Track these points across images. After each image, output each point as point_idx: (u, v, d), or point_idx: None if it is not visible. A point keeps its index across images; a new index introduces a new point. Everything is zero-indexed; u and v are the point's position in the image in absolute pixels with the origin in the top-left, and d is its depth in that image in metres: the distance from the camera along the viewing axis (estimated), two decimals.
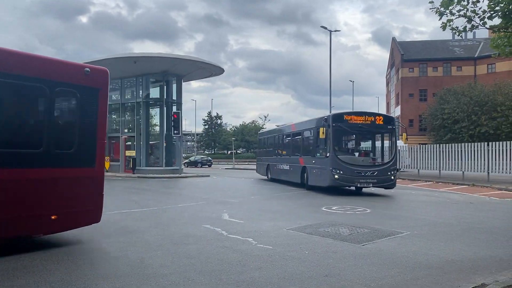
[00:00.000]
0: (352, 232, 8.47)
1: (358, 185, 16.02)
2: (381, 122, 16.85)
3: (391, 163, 16.53)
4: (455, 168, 24.39)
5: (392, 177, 16.24)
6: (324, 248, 7.14)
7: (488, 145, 22.11)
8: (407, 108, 57.28)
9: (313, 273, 5.71)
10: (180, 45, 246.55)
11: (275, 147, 24.24)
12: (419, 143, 36.08)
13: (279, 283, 5.27)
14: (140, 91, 28.88)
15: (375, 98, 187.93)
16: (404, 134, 17.98)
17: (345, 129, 16.56)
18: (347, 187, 17.00)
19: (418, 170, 27.17)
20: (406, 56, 57.50)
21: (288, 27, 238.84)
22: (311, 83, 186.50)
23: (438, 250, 7.09)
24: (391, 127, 16.98)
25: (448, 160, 24.76)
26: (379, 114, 17.45)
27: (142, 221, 9.75)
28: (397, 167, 16.99)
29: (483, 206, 13.35)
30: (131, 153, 28.30)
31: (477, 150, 22.73)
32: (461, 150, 23.90)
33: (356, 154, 17.69)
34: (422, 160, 26.89)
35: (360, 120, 16.50)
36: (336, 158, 15.95)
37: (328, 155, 16.14)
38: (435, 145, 27.21)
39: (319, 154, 17.07)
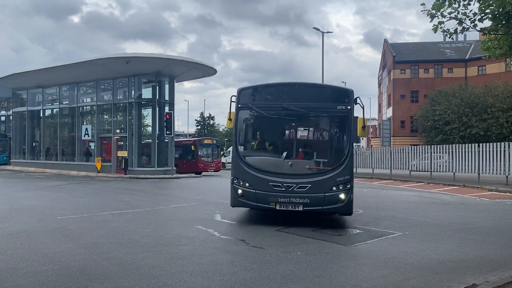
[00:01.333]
0: (344, 233, 8.50)
1: (277, 207, 9.19)
2: (326, 101, 9.92)
3: (339, 170, 9.23)
4: (446, 169, 24.56)
5: (342, 195, 9.04)
6: (317, 249, 7.15)
7: (478, 146, 22.30)
8: (399, 109, 57.58)
9: (305, 273, 5.72)
10: (173, 46, 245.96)
11: None
12: (411, 144, 36.31)
13: (271, 284, 5.27)
14: (132, 92, 28.72)
15: (367, 99, 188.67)
16: (360, 120, 9.54)
17: (259, 112, 9.91)
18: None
19: (410, 171, 27.32)
20: (398, 58, 57.83)
21: (281, 28, 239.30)
22: None
23: (429, 250, 7.13)
24: (344, 108, 9.52)
25: (440, 161, 24.94)
26: (322, 86, 10.99)
27: (134, 222, 9.70)
28: (351, 177, 9.40)
29: (473, 207, 13.46)
30: (123, 153, 28.15)
31: (468, 151, 22.91)
32: (452, 151, 24.08)
33: (284, 154, 9.96)
34: (414, 160, 27.03)
35: (287, 96, 9.85)
36: (240, 161, 9.70)
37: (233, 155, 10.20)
38: (426, 146, 27.38)
39: None
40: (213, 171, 33.60)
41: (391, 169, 28.76)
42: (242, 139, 10.49)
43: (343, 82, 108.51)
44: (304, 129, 11.18)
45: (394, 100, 58.47)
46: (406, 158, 27.67)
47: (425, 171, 26.13)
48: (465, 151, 23.11)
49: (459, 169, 23.52)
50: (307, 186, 9.20)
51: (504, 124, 38.63)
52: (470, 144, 23.48)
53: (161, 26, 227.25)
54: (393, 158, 28.67)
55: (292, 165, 9.64)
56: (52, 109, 35.19)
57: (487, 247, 7.50)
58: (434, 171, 25.45)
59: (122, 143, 29.03)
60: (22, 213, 10.90)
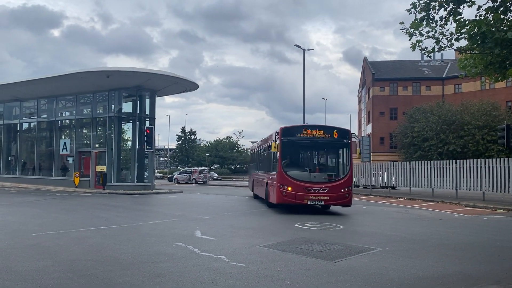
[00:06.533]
0: (325, 249, 8.48)
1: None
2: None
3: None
4: (424, 185, 24.90)
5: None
6: (298, 265, 7.11)
7: (456, 162, 22.71)
8: (378, 126, 58.44)
9: None
10: (155, 61, 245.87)
11: None
12: (390, 161, 36.76)
13: None
14: (113, 106, 28.45)
15: (347, 116, 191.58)
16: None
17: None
18: None
19: (390, 187, 27.61)
20: (377, 75, 58.91)
21: (262, 45, 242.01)
22: (285, 100, 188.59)
23: (410, 266, 7.16)
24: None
25: (418, 177, 25.29)
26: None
27: (112, 239, 9.49)
28: None
29: (452, 223, 13.63)
30: (102, 168, 27.71)
31: (446, 167, 23.30)
32: (430, 168, 24.45)
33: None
34: (393, 177, 27.35)
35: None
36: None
37: None
38: (405, 162, 27.78)
39: None
40: (330, 204, 15.73)
41: (371, 185, 29.01)
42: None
43: (323, 98, 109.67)
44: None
45: (373, 116, 59.34)
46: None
47: (404, 187, 26.50)
48: (443, 167, 23.50)
49: (437, 185, 23.86)
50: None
51: (480, 141, 39.55)
52: (447, 161, 23.90)
53: (143, 41, 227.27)
54: (373, 174, 28.95)
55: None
56: (29, 123, 34.54)
57: (466, 263, 7.57)
58: (413, 187, 25.78)
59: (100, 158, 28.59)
60: None
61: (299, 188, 14.70)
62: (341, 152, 16.29)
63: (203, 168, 57.10)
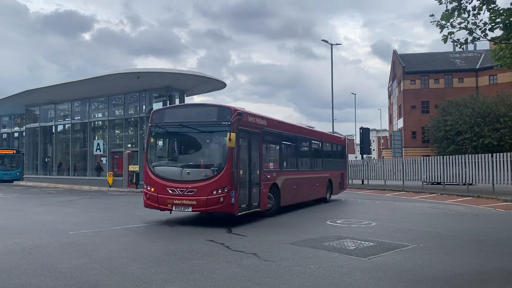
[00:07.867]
0: (358, 246, 8.40)
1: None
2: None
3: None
4: (459, 180, 24.26)
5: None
6: (330, 262, 7.07)
7: (492, 156, 22.03)
8: (410, 120, 57.23)
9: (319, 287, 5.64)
10: (183, 61, 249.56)
11: None
12: (423, 155, 35.97)
13: None
14: (144, 106, 28.99)
15: (377, 110, 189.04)
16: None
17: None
18: None
19: (422, 182, 27.04)
20: (408, 68, 57.66)
21: (289, 41, 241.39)
22: (313, 96, 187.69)
23: (445, 263, 7.01)
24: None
25: (452, 171, 24.66)
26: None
27: (146, 236, 9.69)
28: None
29: (488, 218, 13.24)
30: (135, 167, 28.30)
31: (481, 161, 22.65)
32: (465, 162, 23.81)
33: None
34: (426, 171, 26.77)
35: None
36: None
37: None
38: (438, 156, 27.14)
39: None
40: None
41: (403, 181, 28.51)
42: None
43: (352, 93, 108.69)
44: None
45: (404, 111, 58.16)
46: (418, 169, 27.40)
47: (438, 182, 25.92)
48: (478, 162, 22.85)
49: (472, 180, 23.22)
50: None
51: None
52: (483, 155, 23.20)
53: (171, 41, 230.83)
54: (405, 169, 28.42)
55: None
56: (64, 125, 35.63)
57: (504, 259, 7.36)
58: (447, 182, 25.16)
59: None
60: (35, 228, 10.97)
61: (162, 189, 11.25)
62: (220, 139, 11.51)
63: None
